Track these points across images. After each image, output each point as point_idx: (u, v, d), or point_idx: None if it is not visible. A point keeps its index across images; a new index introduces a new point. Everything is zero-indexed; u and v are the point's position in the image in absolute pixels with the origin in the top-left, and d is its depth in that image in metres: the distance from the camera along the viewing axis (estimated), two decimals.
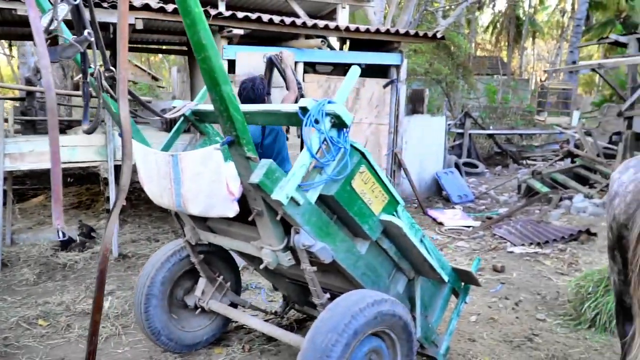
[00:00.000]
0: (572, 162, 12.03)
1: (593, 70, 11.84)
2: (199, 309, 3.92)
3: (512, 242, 7.54)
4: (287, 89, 5.76)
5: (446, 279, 3.61)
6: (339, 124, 2.83)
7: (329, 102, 2.79)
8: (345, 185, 2.92)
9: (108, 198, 6.56)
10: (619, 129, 11.86)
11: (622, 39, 11.41)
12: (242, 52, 6.53)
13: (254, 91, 4.69)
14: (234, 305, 4.05)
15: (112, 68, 2.55)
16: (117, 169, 6.96)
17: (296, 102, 3.75)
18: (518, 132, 18.51)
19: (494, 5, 34.94)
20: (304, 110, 2.74)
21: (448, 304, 3.98)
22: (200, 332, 4.01)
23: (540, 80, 32.00)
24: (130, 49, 12.91)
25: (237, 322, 4.24)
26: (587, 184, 11.21)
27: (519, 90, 26.18)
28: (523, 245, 7.41)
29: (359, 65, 3.21)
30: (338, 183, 2.90)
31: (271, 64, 5.27)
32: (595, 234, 7.82)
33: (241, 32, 6.38)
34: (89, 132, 2.58)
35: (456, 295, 4.07)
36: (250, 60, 6.56)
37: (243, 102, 4.78)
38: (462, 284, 4.02)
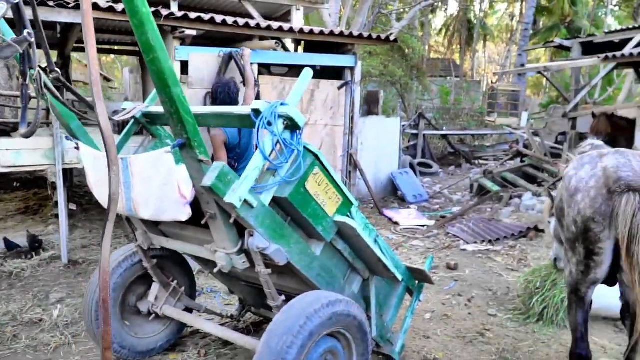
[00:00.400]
0: (521, 161, 12.41)
1: (540, 72, 12.23)
2: (153, 315, 3.84)
3: (465, 240, 7.72)
4: (245, 85, 5.78)
5: (400, 278, 3.66)
6: (292, 126, 2.83)
7: (282, 104, 2.78)
8: (299, 187, 2.93)
9: (57, 203, 6.35)
10: (564, 129, 12.31)
11: (567, 43, 11.84)
12: (195, 53, 6.45)
13: (229, 95, 4.71)
14: (188, 310, 4.00)
15: (57, 69, 2.47)
16: (66, 172, 6.78)
17: (257, 98, 3.75)
18: (470, 133, 18.97)
19: (446, 9, 35.71)
20: (257, 112, 2.73)
21: (402, 302, 4.05)
22: (154, 339, 3.94)
23: (491, 82, 32.88)
24: (80, 49, 12.55)
25: (192, 327, 4.19)
26: (536, 182, 11.59)
27: (471, 92, 26.82)
28: (475, 243, 7.60)
29: (314, 67, 3.23)
30: (292, 185, 2.90)
31: (231, 60, 5.25)
32: (543, 231, 8.08)
33: (194, 33, 6.29)
34: (26, 136, 2.49)
35: (410, 294, 4.14)
36: (204, 62, 6.49)
37: (218, 105, 4.76)
38: (416, 282, 4.09)
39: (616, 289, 4.16)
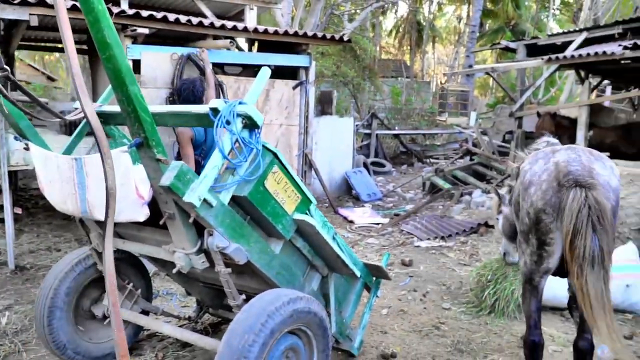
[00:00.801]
0: (471, 159, 12.77)
1: (487, 73, 12.61)
2: (108, 319, 3.76)
3: (418, 237, 7.89)
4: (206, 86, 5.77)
5: (358, 274, 3.72)
6: (251, 124, 2.83)
7: (240, 103, 2.78)
8: (258, 185, 2.93)
9: (2, 206, 6.11)
10: (511, 128, 12.73)
11: (512, 45, 12.26)
12: (148, 52, 6.34)
13: (194, 93, 4.67)
14: (145, 312, 3.93)
15: (6, 67, 2.39)
16: (11, 175, 6.52)
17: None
18: (422, 132, 19.35)
19: (396, 11, 36.26)
20: (215, 111, 2.72)
21: (360, 298, 4.11)
22: (109, 343, 3.85)
23: (441, 82, 33.61)
24: (24, 47, 12.08)
25: (149, 330, 4.12)
26: (485, 180, 11.94)
27: (422, 92, 27.36)
28: (429, 239, 7.77)
29: (268, 66, 3.24)
30: (251, 184, 2.91)
31: (189, 61, 5.23)
32: (492, 227, 8.34)
33: (146, 31, 6.18)
34: None
35: (368, 290, 4.21)
36: (157, 60, 6.39)
37: (182, 103, 4.70)
38: (374, 278, 4.16)
39: (564, 280, 4.38)
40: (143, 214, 2.77)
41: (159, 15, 6.13)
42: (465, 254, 7.07)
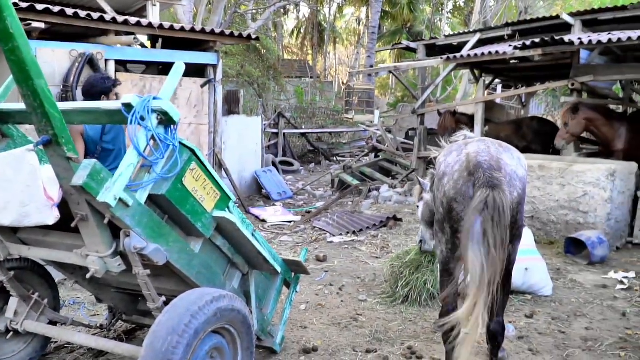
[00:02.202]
0: (376, 156, 13.18)
1: (391, 72, 13.06)
2: (11, 332, 3.48)
3: (331, 232, 8.02)
4: None
5: (279, 270, 3.72)
6: (167, 120, 2.74)
7: (155, 99, 2.69)
8: (176, 183, 2.85)
9: None
10: (413, 125, 13.29)
11: (413, 45, 12.78)
12: (44, 48, 5.94)
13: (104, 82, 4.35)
14: (53, 323, 3.68)
15: None
16: None
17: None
18: (328, 131, 19.67)
19: (298, 11, 36.55)
20: (128, 107, 2.61)
21: (280, 295, 4.11)
22: (14, 358, 3.58)
23: (343, 82, 34.33)
24: None
25: (58, 341, 3.87)
26: (390, 175, 12.36)
27: (325, 92, 27.80)
28: (341, 235, 7.93)
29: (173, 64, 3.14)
30: (169, 182, 2.81)
31: (90, 62, 4.95)
32: (401, 220, 8.68)
33: (42, 26, 5.78)
34: None
35: (287, 286, 4.22)
36: (54, 57, 6.00)
37: (91, 98, 4.33)
38: (293, 274, 4.18)
39: None
40: (53, 217, 2.60)
41: (56, 9, 5.77)
42: (376, 247, 7.28)
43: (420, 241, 4.99)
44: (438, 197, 3.35)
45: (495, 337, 3.44)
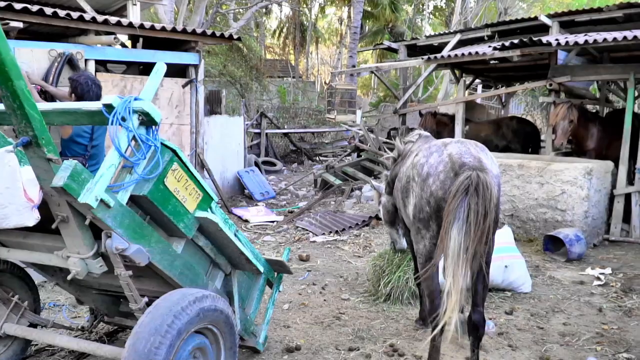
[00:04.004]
0: (359, 156, 13.22)
1: (372, 72, 13.13)
2: None
3: (313, 232, 8.04)
4: None
5: (262, 269, 3.73)
6: (148, 121, 2.74)
7: (136, 99, 2.69)
8: (158, 184, 2.85)
9: None
10: (395, 125, 13.37)
11: (394, 46, 12.87)
12: (23, 48, 5.86)
13: (99, 87, 4.33)
14: (33, 326, 3.66)
15: None
16: None
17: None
18: (310, 131, 19.68)
19: (280, 11, 36.51)
20: (109, 107, 2.61)
21: (263, 294, 4.12)
22: None
23: (325, 82, 34.37)
24: None
25: (38, 344, 3.84)
26: (372, 175, 12.41)
27: (308, 92, 27.82)
28: (324, 234, 7.96)
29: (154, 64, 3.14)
30: (150, 182, 2.81)
31: (69, 62, 4.92)
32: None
33: (20, 25, 5.71)
34: None
35: (270, 286, 4.23)
36: (33, 57, 5.93)
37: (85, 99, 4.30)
38: (275, 273, 4.20)
39: None
40: (33, 219, 2.59)
41: (35, 8, 5.70)
42: (359, 246, 7.32)
43: (392, 242, 5.08)
44: (423, 197, 3.42)
45: (477, 327, 3.49)
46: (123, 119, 2.63)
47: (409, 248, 4.76)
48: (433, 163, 3.41)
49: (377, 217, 8.68)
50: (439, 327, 3.23)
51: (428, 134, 4.43)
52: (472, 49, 9.92)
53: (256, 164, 12.90)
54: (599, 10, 9.29)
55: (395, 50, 12.93)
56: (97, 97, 4.40)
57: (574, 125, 7.92)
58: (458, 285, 3.07)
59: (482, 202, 3.09)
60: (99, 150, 4.07)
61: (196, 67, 8.19)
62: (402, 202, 3.86)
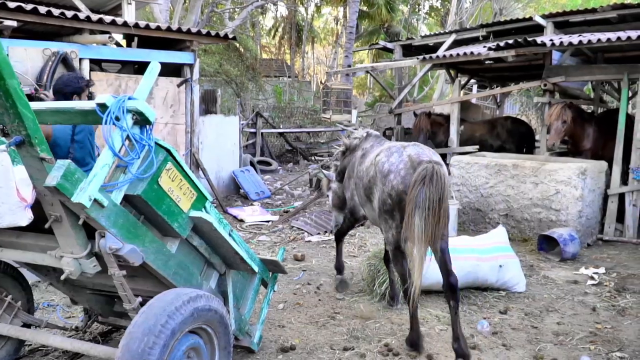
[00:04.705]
0: None
1: (368, 72, 13.13)
2: None
3: (309, 232, 8.04)
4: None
5: (256, 269, 3.73)
6: (142, 120, 2.74)
7: (130, 98, 2.69)
8: (152, 183, 2.84)
9: None
10: (391, 124, 13.38)
11: (390, 46, 12.88)
12: (17, 47, 5.84)
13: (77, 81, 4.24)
14: (27, 326, 3.64)
15: None
16: None
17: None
18: (306, 130, 19.66)
19: (276, 10, 36.47)
20: (103, 107, 2.60)
21: (258, 294, 4.12)
22: None
23: (321, 82, 34.37)
24: None
25: (32, 344, 3.83)
26: None
27: (303, 92, 27.80)
28: (319, 234, 7.96)
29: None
30: (144, 182, 2.81)
31: (64, 61, 4.89)
32: None
33: (14, 24, 5.68)
34: None
35: (265, 286, 4.23)
36: (27, 56, 5.91)
37: (63, 97, 4.22)
38: (270, 273, 4.20)
39: None
40: (26, 218, 2.58)
41: (29, 6, 5.67)
42: (354, 245, 7.33)
43: (336, 225, 5.50)
44: (385, 192, 3.93)
45: (454, 289, 3.84)
46: (117, 119, 2.63)
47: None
48: (394, 162, 3.94)
49: None
50: (412, 295, 3.73)
51: (378, 133, 4.98)
52: (468, 49, 9.94)
53: (251, 164, 12.88)
54: (593, 11, 9.33)
55: (390, 50, 12.94)
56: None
57: (568, 126, 7.94)
58: (422, 261, 3.62)
59: (436, 190, 3.58)
60: (84, 152, 4.02)
61: (191, 66, 8.18)
62: (364, 197, 4.38)
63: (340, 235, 5.45)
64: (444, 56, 9.98)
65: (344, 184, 5.09)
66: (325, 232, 8.02)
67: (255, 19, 30.13)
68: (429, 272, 5.08)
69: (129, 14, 8.23)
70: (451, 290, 3.83)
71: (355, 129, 14.91)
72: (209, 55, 16.68)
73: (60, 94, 4.11)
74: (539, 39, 8.00)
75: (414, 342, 4.05)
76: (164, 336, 2.61)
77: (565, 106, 7.93)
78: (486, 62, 10.05)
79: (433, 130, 10.89)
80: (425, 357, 3.97)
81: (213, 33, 8.12)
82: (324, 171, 5.54)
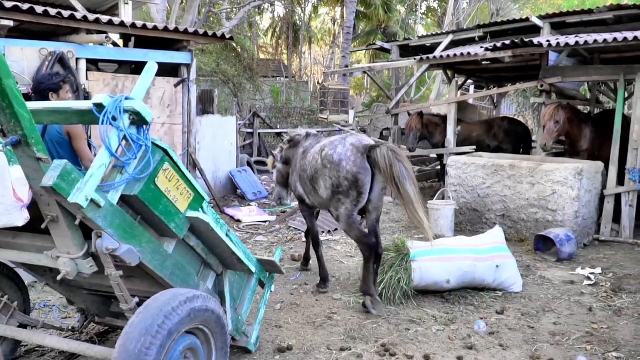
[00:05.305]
0: None
1: (365, 72, 13.14)
2: None
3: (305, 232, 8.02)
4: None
5: (253, 269, 3.73)
6: (139, 120, 2.74)
7: (127, 98, 2.68)
8: (148, 183, 2.84)
9: None
10: (387, 125, 13.38)
11: (386, 46, 12.88)
12: (13, 47, 5.82)
13: (51, 78, 4.21)
14: (23, 326, 3.63)
15: None
16: None
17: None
18: None
19: (273, 10, 36.45)
20: (99, 106, 2.60)
21: (255, 294, 4.12)
22: None
23: (318, 82, 34.36)
24: None
25: (28, 344, 3.82)
26: None
27: (300, 92, 27.79)
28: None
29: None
30: (141, 182, 2.80)
31: (60, 60, 4.87)
32: None
33: (10, 23, 5.67)
34: None
35: (262, 286, 4.23)
36: (23, 56, 5.89)
37: (40, 96, 4.20)
38: (267, 273, 4.20)
39: (446, 272, 4.93)
40: (22, 218, 2.58)
41: (25, 6, 5.66)
42: (350, 245, 7.32)
43: (279, 198, 6.19)
44: (340, 176, 4.67)
45: (375, 247, 4.84)
46: (114, 118, 2.63)
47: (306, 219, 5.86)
48: (341, 151, 4.71)
49: None
50: (431, 236, 4.78)
51: (316, 132, 5.78)
52: (464, 49, 9.95)
53: (248, 164, 12.88)
54: (590, 11, 9.35)
55: (387, 51, 12.95)
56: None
57: (561, 126, 7.96)
58: (425, 218, 4.66)
59: (406, 161, 4.56)
60: (65, 156, 3.99)
61: (188, 66, 8.17)
62: (310, 187, 5.10)
63: (315, 238, 5.75)
64: (441, 56, 9.99)
65: (290, 171, 5.81)
66: (322, 232, 8.01)
67: (252, 18, 30.09)
68: (426, 273, 5.11)
69: (126, 14, 8.22)
70: (379, 255, 4.97)
71: (352, 129, 14.93)
72: (206, 55, 16.65)
73: (37, 94, 4.11)
74: (535, 40, 8.01)
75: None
76: (161, 336, 2.61)
77: (558, 106, 7.95)
78: (483, 62, 10.06)
79: (429, 130, 10.89)
80: (422, 357, 3.97)
81: (210, 33, 8.11)
82: (273, 152, 6.24)
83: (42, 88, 4.07)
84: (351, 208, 4.76)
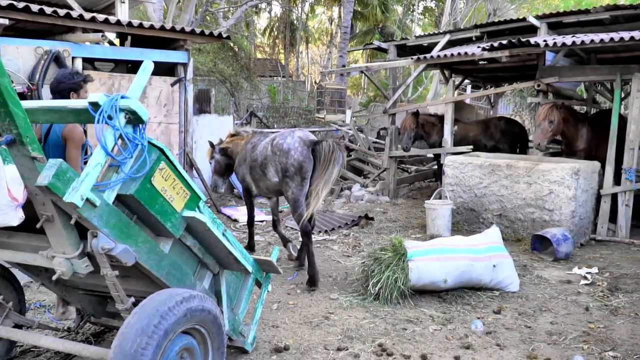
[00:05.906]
0: (349, 155, 13.21)
1: (362, 72, 13.12)
2: None
3: None
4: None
5: (250, 269, 3.71)
6: (135, 119, 2.72)
7: (123, 97, 2.67)
8: (145, 183, 2.82)
9: None
10: (385, 124, 13.37)
11: (384, 46, 12.85)
12: (8, 45, 5.80)
13: (72, 77, 4.15)
14: (18, 327, 3.61)
15: None
16: None
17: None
18: None
19: (270, 10, 36.43)
20: (95, 105, 2.58)
21: (252, 294, 4.11)
22: None
23: (315, 82, 34.34)
24: None
25: (23, 345, 3.80)
26: (362, 174, 12.42)
27: (297, 91, 27.78)
28: (313, 234, 7.92)
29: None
30: (137, 181, 2.79)
31: (56, 59, 4.84)
32: (372, 219, 8.75)
33: (6, 22, 5.64)
34: None
35: (259, 286, 4.22)
36: (19, 54, 5.87)
37: (59, 95, 4.15)
38: (264, 273, 4.18)
39: (443, 272, 4.92)
40: (17, 218, 2.56)
41: (21, 5, 5.64)
42: (348, 246, 7.32)
43: (215, 186, 6.94)
44: (288, 164, 5.40)
45: (309, 233, 5.62)
46: (110, 117, 2.61)
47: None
48: (290, 142, 5.44)
49: (367, 217, 8.72)
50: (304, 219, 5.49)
51: (261, 130, 6.73)
52: (462, 49, 9.95)
53: None
54: (586, 12, 9.36)
55: (385, 50, 12.93)
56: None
57: (556, 126, 7.96)
58: (322, 200, 5.45)
59: (343, 152, 5.50)
60: (56, 150, 3.95)
61: (185, 65, 8.15)
62: (260, 173, 5.78)
63: (251, 221, 6.72)
64: (438, 56, 9.99)
65: (235, 170, 6.46)
66: (320, 232, 8.01)
67: (250, 18, 30.09)
68: (423, 272, 5.11)
69: (122, 13, 8.19)
70: (305, 234, 5.64)
71: (349, 129, 14.92)
72: (203, 55, 16.63)
73: (56, 93, 4.05)
74: (532, 40, 8.02)
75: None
76: (157, 337, 2.59)
77: (553, 106, 7.95)
78: (480, 62, 10.06)
79: (426, 130, 10.88)
80: (420, 357, 3.96)
81: (207, 32, 8.10)
82: (211, 142, 6.88)
83: (62, 88, 4.01)
84: (297, 193, 5.51)
